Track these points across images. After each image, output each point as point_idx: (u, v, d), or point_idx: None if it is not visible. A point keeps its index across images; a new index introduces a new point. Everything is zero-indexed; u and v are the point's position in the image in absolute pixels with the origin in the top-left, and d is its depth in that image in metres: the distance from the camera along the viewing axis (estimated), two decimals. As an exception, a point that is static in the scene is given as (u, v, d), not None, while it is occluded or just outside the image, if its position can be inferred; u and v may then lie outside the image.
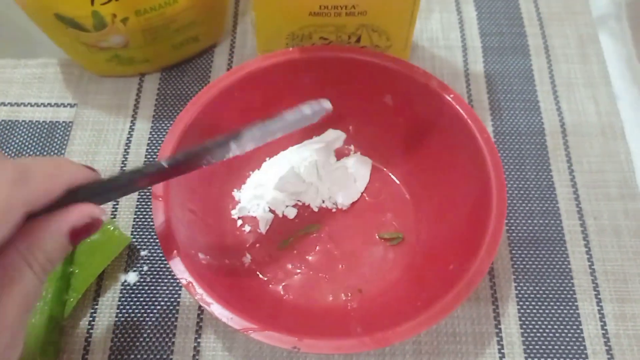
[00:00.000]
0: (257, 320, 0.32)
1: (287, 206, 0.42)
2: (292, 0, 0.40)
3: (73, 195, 0.28)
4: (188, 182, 0.37)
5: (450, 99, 0.38)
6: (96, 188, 0.29)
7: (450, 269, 0.35)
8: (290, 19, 0.41)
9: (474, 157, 0.37)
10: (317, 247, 0.40)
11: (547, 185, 0.44)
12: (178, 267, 0.33)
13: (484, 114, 0.47)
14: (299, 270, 0.40)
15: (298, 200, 0.42)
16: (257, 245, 0.41)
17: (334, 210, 0.42)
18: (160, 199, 0.34)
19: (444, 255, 0.37)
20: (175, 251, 0.33)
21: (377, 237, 0.41)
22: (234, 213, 0.41)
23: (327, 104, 0.36)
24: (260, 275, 0.39)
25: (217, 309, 0.32)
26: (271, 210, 0.42)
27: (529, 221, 0.42)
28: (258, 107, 0.41)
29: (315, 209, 0.42)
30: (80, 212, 0.27)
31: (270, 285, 0.39)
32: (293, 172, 0.41)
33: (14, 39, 0.50)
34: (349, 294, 0.39)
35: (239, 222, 0.41)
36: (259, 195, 0.41)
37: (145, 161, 0.44)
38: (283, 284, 0.39)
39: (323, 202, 0.42)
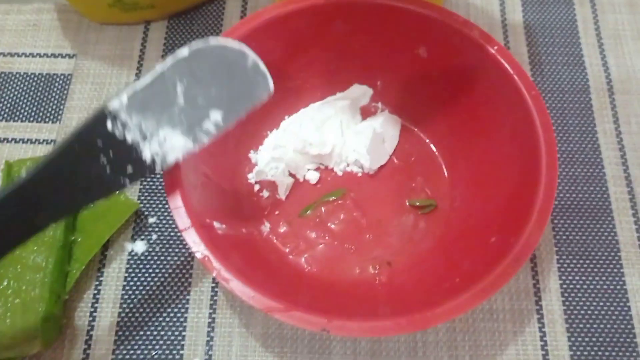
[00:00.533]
0: (280, 297, 0.29)
1: (308, 169, 0.38)
2: None
3: None
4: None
5: (494, 51, 0.34)
6: None
7: (492, 242, 0.32)
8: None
9: (520, 117, 0.33)
10: (342, 215, 0.37)
11: (592, 148, 0.40)
12: (192, 239, 0.29)
13: (523, 68, 0.43)
14: (322, 241, 0.36)
15: (321, 164, 0.39)
16: (277, 212, 0.37)
17: (359, 174, 0.38)
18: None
19: (483, 226, 0.34)
20: (189, 220, 0.30)
21: (407, 204, 0.37)
22: (251, 177, 0.38)
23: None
24: (280, 246, 0.36)
25: (237, 286, 0.28)
26: (291, 174, 0.38)
27: (573, 188, 0.39)
28: (276, 59, 0.37)
29: (340, 173, 0.38)
30: None
31: (291, 257, 0.36)
32: (316, 133, 0.37)
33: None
34: (377, 267, 0.35)
35: (257, 186, 0.38)
36: (278, 158, 0.38)
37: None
38: (305, 255, 0.36)
39: (348, 165, 0.39)
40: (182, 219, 0.30)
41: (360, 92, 0.39)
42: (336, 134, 0.38)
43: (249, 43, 0.35)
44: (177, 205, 0.30)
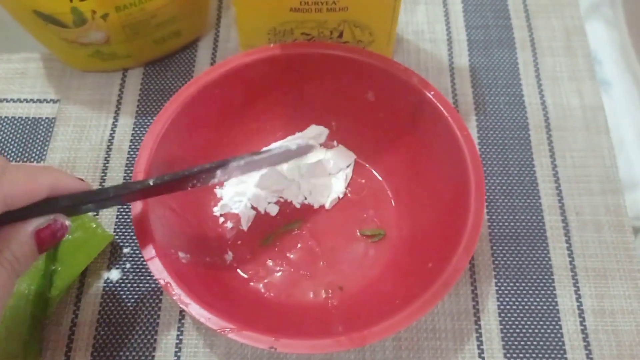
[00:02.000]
0: (236, 319, 0.32)
1: (269, 203, 0.42)
2: (273, -4, 0.39)
3: (54, 203, 0.28)
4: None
5: (430, 95, 0.38)
6: (79, 198, 0.29)
7: (429, 267, 0.35)
8: (271, 15, 0.41)
9: (453, 155, 0.37)
10: (299, 244, 0.41)
11: (530, 180, 0.44)
12: (156, 267, 0.33)
13: (468, 109, 0.47)
14: (280, 268, 0.40)
15: (280, 197, 0.42)
16: (239, 242, 0.41)
17: (315, 206, 0.42)
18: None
19: (423, 252, 0.37)
20: (153, 251, 0.33)
21: (358, 233, 0.41)
22: (216, 210, 0.41)
23: (312, 142, 0.38)
24: (242, 273, 0.39)
25: (194, 309, 0.32)
26: (253, 207, 0.42)
27: (511, 217, 0.43)
28: (239, 103, 0.41)
29: (298, 206, 0.42)
30: (45, 216, 0.28)
31: (251, 283, 0.39)
32: (274, 170, 0.41)
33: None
34: (330, 291, 0.39)
35: (221, 219, 0.41)
36: (241, 192, 0.42)
37: (127, 157, 0.44)
38: (264, 281, 0.39)
39: (305, 198, 0.42)
40: (147, 249, 0.33)
41: (317, 132, 0.43)
42: (294, 171, 0.42)
43: (216, 88, 0.39)
44: (143, 237, 0.34)
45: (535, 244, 0.42)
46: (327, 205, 0.42)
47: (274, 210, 0.42)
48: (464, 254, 0.33)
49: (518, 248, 0.41)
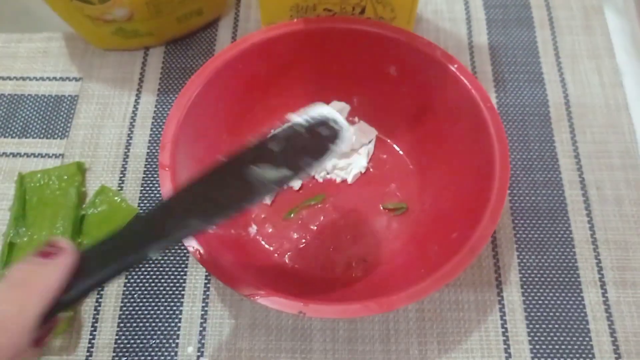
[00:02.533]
0: (263, 287, 0.32)
1: None
2: (295, -30, 0.40)
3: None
4: (195, 152, 0.37)
5: (454, 68, 0.38)
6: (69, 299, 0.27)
7: (454, 237, 0.36)
8: (295, -9, 0.41)
9: (477, 126, 0.37)
10: (322, 218, 0.41)
11: (550, 156, 0.44)
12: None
13: (487, 86, 0.47)
14: (304, 240, 0.40)
15: None
16: (263, 215, 0.41)
17: (338, 181, 0.42)
18: (167, 168, 0.35)
19: (447, 224, 0.38)
20: None
21: (381, 207, 0.41)
22: None
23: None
24: (266, 245, 0.40)
25: (224, 274, 0.32)
26: None
27: (532, 191, 0.43)
28: (262, 78, 0.41)
29: (320, 180, 0.42)
30: None
31: (276, 255, 0.40)
32: None
33: (17, 13, 0.51)
34: (354, 263, 0.39)
35: None
36: None
37: (150, 134, 0.45)
38: (289, 253, 0.40)
39: (328, 173, 0.43)
40: None
41: (339, 108, 0.44)
42: None
43: (238, 64, 0.39)
44: None
45: (557, 218, 0.42)
46: (350, 180, 0.42)
47: (296, 184, 0.42)
48: (490, 223, 0.34)
49: (539, 222, 0.42)
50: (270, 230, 0.40)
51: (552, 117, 0.46)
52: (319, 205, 0.41)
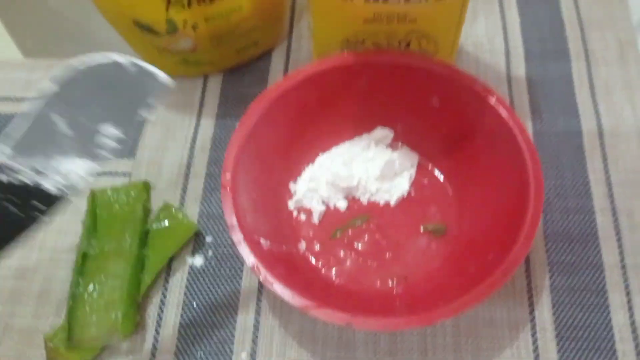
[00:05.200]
0: (313, 300, 0.36)
1: (338, 199, 0.46)
2: (347, 8, 0.43)
3: None
4: (252, 173, 0.41)
5: (493, 101, 0.41)
6: None
7: (490, 259, 0.38)
8: (346, 26, 0.45)
9: (514, 156, 0.40)
10: (366, 237, 0.44)
11: (583, 183, 0.47)
12: (245, 251, 0.37)
13: (524, 116, 0.50)
14: (349, 258, 0.43)
15: (349, 194, 0.46)
16: (311, 233, 0.45)
17: (381, 203, 0.46)
18: (228, 188, 0.39)
19: (483, 246, 0.40)
20: (242, 236, 0.37)
21: (421, 229, 0.44)
22: (290, 204, 0.45)
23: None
24: (314, 261, 0.43)
25: (279, 288, 0.36)
26: (324, 202, 0.46)
27: (565, 217, 0.45)
28: (313, 107, 0.45)
29: (365, 202, 0.46)
30: None
31: (323, 271, 0.43)
32: (344, 168, 0.45)
33: (79, 37, 0.55)
34: (395, 280, 0.42)
35: (295, 212, 0.45)
36: (313, 189, 0.45)
37: (209, 155, 0.49)
38: (334, 269, 0.43)
39: (372, 195, 0.46)
40: (236, 235, 0.37)
41: (383, 134, 0.47)
42: (362, 169, 0.46)
43: (291, 94, 0.43)
44: (232, 223, 0.38)
45: (588, 243, 0.44)
46: (392, 203, 0.45)
47: (343, 205, 0.45)
48: (524, 245, 0.36)
49: (571, 246, 0.44)
50: (318, 247, 0.44)
51: (586, 146, 0.48)
52: (364, 226, 0.45)
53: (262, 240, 0.40)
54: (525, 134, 0.40)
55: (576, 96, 0.51)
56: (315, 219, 0.45)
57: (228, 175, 0.39)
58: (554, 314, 0.42)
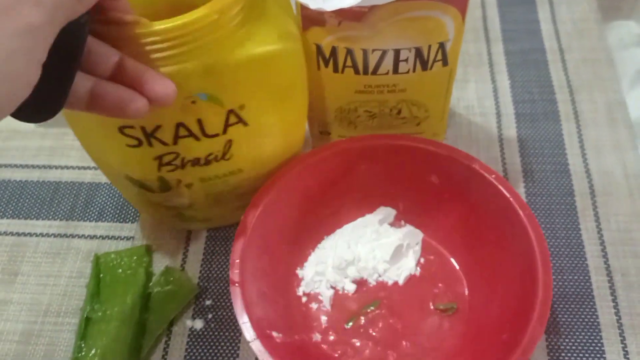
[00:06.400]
0: None
1: (346, 281, 0.46)
2: (339, 80, 0.45)
3: None
4: (259, 264, 0.42)
5: (492, 179, 0.42)
6: None
7: (504, 338, 0.38)
8: (339, 96, 0.47)
9: (517, 232, 0.40)
10: (381, 324, 0.44)
11: (576, 243, 0.47)
12: (259, 349, 0.37)
13: (517, 177, 0.51)
14: (366, 348, 0.43)
15: (356, 276, 0.46)
16: (324, 320, 0.44)
17: (390, 283, 0.46)
18: (237, 284, 0.39)
19: (497, 324, 0.40)
20: (254, 333, 0.37)
21: (431, 306, 0.45)
22: (299, 290, 0.46)
23: None
24: (330, 352, 0.43)
25: None
26: (332, 287, 0.46)
27: (559, 277, 0.46)
28: (314, 193, 0.46)
29: (373, 283, 0.46)
30: None
31: None
32: (349, 250, 0.46)
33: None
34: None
35: (304, 298, 0.46)
36: (320, 272, 0.46)
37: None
38: (353, 360, 0.43)
39: (379, 276, 0.46)
40: (248, 332, 0.37)
41: (386, 213, 0.48)
42: (367, 250, 0.46)
43: (293, 183, 0.44)
44: (244, 320, 0.37)
45: (583, 303, 0.45)
46: (401, 282, 0.46)
47: (351, 288, 0.46)
48: (538, 324, 0.36)
49: (567, 306, 0.45)
50: (332, 337, 0.44)
51: (578, 206, 0.49)
52: (376, 311, 0.45)
53: (274, 333, 0.40)
54: (527, 210, 0.40)
55: (567, 156, 0.52)
56: (327, 304, 0.45)
57: (236, 271, 0.39)
58: (550, 375, 0.42)
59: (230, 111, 0.37)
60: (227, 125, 0.38)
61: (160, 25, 0.32)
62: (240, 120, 0.38)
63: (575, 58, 0.58)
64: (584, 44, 0.59)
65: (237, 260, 0.40)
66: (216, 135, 0.39)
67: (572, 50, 0.59)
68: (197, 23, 0.33)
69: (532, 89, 0.57)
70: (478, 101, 0.56)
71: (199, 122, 0.37)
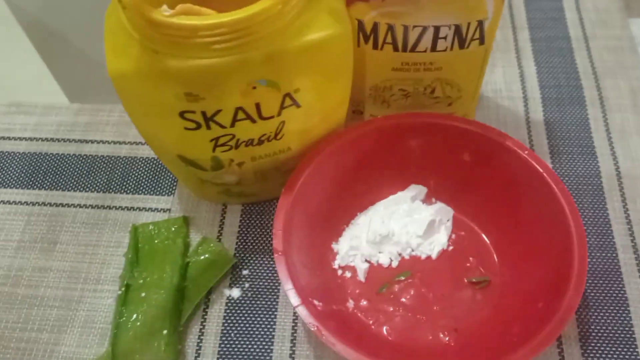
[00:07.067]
0: (372, 357, 0.37)
1: (380, 254, 0.47)
2: (378, 57, 0.46)
3: None
4: (299, 236, 0.43)
5: (525, 154, 0.43)
6: None
7: (540, 307, 0.39)
8: (375, 73, 0.48)
9: (551, 206, 0.42)
10: (412, 292, 0.45)
11: (603, 222, 0.49)
12: (304, 314, 0.38)
13: (544, 158, 0.52)
14: (397, 313, 0.44)
15: (390, 250, 0.47)
16: (357, 291, 0.46)
17: (423, 257, 0.47)
18: (280, 253, 0.40)
19: (530, 294, 0.42)
20: (299, 299, 0.38)
21: (465, 280, 0.46)
22: (335, 264, 0.47)
23: None
24: (364, 319, 0.44)
25: (342, 349, 0.37)
26: (366, 260, 0.47)
27: (588, 254, 0.47)
28: (349, 169, 0.47)
29: (407, 257, 0.47)
30: None
31: (373, 327, 0.44)
32: (383, 225, 0.47)
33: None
34: (446, 333, 0.43)
35: (339, 271, 0.47)
36: (355, 247, 0.47)
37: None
38: (385, 326, 0.44)
39: (413, 251, 0.47)
40: (294, 297, 0.38)
41: (417, 191, 0.49)
42: (400, 225, 0.48)
43: (332, 158, 0.45)
44: (289, 287, 0.39)
45: (611, 279, 0.46)
46: (434, 256, 0.47)
47: (385, 261, 0.47)
48: (575, 292, 0.37)
49: (595, 282, 0.46)
50: (365, 304, 0.45)
51: (605, 186, 0.51)
52: (409, 280, 0.46)
53: (315, 302, 0.41)
54: (561, 184, 0.42)
55: (593, 140, 0.53)
56: (361, 276, 0.46)
57: (279, 239, 0.41)
58: (581, 347, 0.43)
59: (286, 94, 0.39)
60: (282, 108, 0.40)
61: (228, 17, 0.34)
62: (294, 102, 0.40)
63: (599, 46, 0.60)
64: (607, 33, 0.60)
65: (280, 231, 0.41)
66: (271, 117, 0.40)
67: (597, 38, 0.60)
68: (262, 14, 0.34)
69: (558, 74, 0.58)
70: (505, 85, 0.57)
71: (257, 105, 0.39)
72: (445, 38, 0.44)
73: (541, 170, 0.43)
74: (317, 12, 0.38)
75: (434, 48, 0.45)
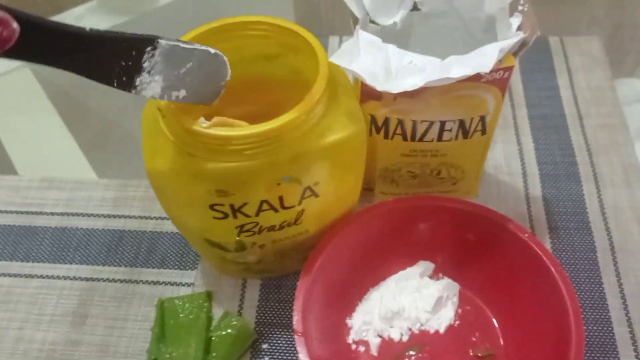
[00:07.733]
0: None
1: (392, 329, 0.50)
2: (389, 144, 0.50)
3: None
4: (317, 315, 0.46)
5: (525, 237, 0.47)
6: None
7: None
8: (386, 157, 0.52)
9: (549, 287, 0.45)
10: None
11: (599, 296, 0.52)
12: None
13: (543, 232, 0.56)
14: None
15: (401, 325, 0.50)
16: None
17: (431, 331, 0.50)
18: (300, 334, 0.43)
19: None
20: None
21: (471, 353, 0.49)
22: (349, 338, 0.50)
23: None
24: None
25: None
26: (379, 335, 0.50)
27: (584, 328, 0.50)
28: (364, 248, 0.50)
29: (416, 331, 0.50)
30: None
31: None
32: (394, 301, 0.50)
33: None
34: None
35: (353, 346, 0.50)
36: (368, 322, 0.50)
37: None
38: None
39: (422, 325, 0.51)
40: None
41: (425, 267, 0.53)
42: (410, 301, 0.51)
43: (347, 238, 0.48)
44: None
45: (607, 352, 0.49)
46: (442, 330, 0.50)
47: (397, 336, 0.50)
48: None
49: (592, 356, 0.49)
50: None
51: (600, 261, 0.54)
52: (420, 355, 0.49)
53: None
54: (559, 266, 0.45)
55: (588, 215, 0.57)
56: (374, 350, 0.49)
57: (299, 319, 0.44)
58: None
59: (307, 187, 0.43)
60: (302, 199, 0.44)
61: (258, 129, 0.38)
62: (313, 193, 0.44)
63: (592, 123, 0.64)
64: (600, 111, 0.65)
65: (300, 312, 0.44)
66: (292, 207, 0.44)
67: (590, 116, 0.64)
68: (289, 125, 0.39)
69: (554, 151, 0.62)
70: (505, 161, 0.61)
71: (280, 198, 0.43)
72: (450, 130, 0.49)
73: (540, 253, 0.46)
74: (336, 115, 0.42)
75: (439, 138, 0.49)
